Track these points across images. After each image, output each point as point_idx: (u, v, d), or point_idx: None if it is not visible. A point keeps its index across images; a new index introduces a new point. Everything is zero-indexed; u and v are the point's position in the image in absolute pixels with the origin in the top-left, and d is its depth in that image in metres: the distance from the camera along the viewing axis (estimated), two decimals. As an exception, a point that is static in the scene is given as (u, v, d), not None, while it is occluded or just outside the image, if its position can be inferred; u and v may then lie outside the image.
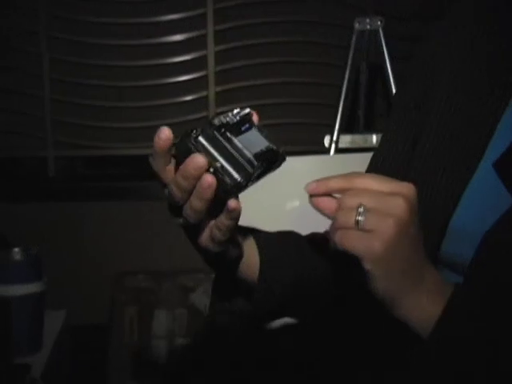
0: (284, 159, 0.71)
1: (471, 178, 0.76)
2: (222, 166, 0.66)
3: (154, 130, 2.58)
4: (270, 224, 1.53)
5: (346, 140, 2.20)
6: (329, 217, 0.67)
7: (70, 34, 2.54)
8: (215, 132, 0.67)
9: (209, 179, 0.66)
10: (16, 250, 1.48)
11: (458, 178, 0.77)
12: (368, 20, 2.17)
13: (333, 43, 2.56)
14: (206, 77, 2.57)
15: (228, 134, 0.68)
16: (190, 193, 0.67)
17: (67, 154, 2.63)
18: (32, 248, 1.48)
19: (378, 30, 2.17)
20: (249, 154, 0.67)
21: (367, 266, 0.63)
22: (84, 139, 2.60)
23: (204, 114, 2.59)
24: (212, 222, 0.71)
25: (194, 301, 2.43)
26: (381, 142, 0.91)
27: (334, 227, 0.65)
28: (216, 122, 0.68)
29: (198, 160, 0.65)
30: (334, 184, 0.67)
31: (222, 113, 2.36)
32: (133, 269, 2.45)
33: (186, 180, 0.67)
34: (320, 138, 2.23)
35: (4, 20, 2.50)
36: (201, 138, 0.67)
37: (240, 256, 0.79)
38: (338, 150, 2.16)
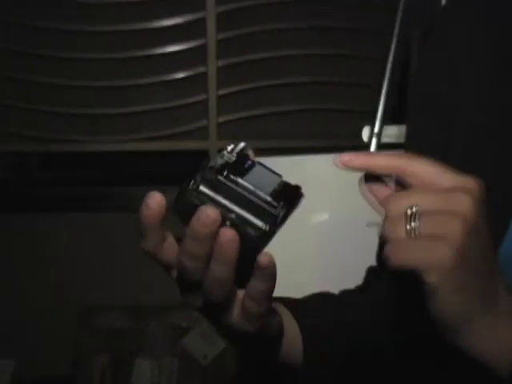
0: (302, 195, 0.72)
1: None
2: (239, 216, 0.67)
3: (137, 118, 2.53)
4: (291, 243, 1.53)
5: (392, 132, 2.20)
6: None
7: None
8: (218, 176, 0.68)
9: (228, 233, 0.66)
10: None
11: (504, 202, 0.80)
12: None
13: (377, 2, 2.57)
14: (204, 46, 2.59)
15: (232, 176, 0.68)
16: (207, 260, 0.68)
17: (16, 150, 2.61)
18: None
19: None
20: (264, 195, 0.68)
21: (432, 278, 0.64)
22: (40, 130, 2.59)
23: (203, 96, 2.61)
24: (242, 293, 0.71)
25: (186, 347, 2.44)
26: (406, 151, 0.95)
27: (386, 240, 0.67)
28: (213, 164, 0.69)
29: (207, 213, 0.66)
30: (379, 162, 0.69)
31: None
32: (105, 302, 2.44)
33: (198, 244, 0.67)
34: (357, 130, 2.23)
35: None
36: (203, 188, 0.67)
37: (281, 332, 0.81)
38: (381, 146, 2.17)
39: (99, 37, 2.60)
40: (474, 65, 0.88)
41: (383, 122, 2.19)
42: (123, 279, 2.51)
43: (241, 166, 0.70)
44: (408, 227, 0.65)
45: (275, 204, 0.68)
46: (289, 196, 0.70)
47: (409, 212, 0.65)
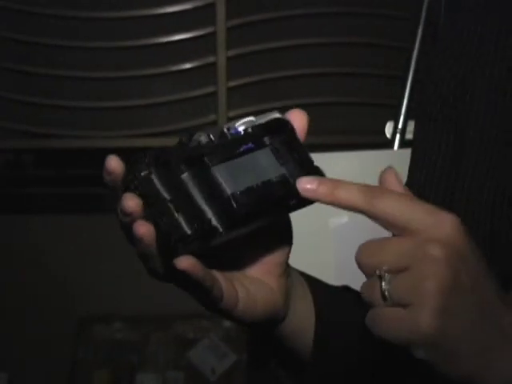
0: (305, 203, 0.69)
1: None
2: (173, 211, 0.66)
3: (140, 112, 2.49)
4: (307, 248, 1.54)
5: (417, 128, 2.17)
6: None
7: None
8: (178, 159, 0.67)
9: (140, 229, 0.66)
10: None
11: None
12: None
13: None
14: (213, 34, 2.59)
15: (206, 160, 0.67)
16: None
17: (10, 146, 2.64)
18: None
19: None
20: (228, 193, 0.67)
21: (420, 354, 0.63)
22: (35, 124, 2.60)
23: (212, 88, 2.62)
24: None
25: (193, 360, 2.47)
26: (413, 160, 0.94)
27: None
28: (192, 141, 0.68)
29: (126, 203, 0.66)
30: (345, 196, 0.66)
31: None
32: (105, 312, 2.49)
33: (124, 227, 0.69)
34: (380, 125, 2.18)
35: None
36: (153, 169, 0.66)
37: (276, 312, 0.79)
38: (405, 143, 2.10)
39: (100, 24, 2.61)
40: (483, 62, 0.87)
41: (408, 117, 2.13)
42: (124, 287, 2.52)
43: (234, 147, 0.68)
44: (382, 289, 0.64)
45: (233, 206, 0.66)
46: (276, 196, 0.68)
47: (377, 273, 0.64)
